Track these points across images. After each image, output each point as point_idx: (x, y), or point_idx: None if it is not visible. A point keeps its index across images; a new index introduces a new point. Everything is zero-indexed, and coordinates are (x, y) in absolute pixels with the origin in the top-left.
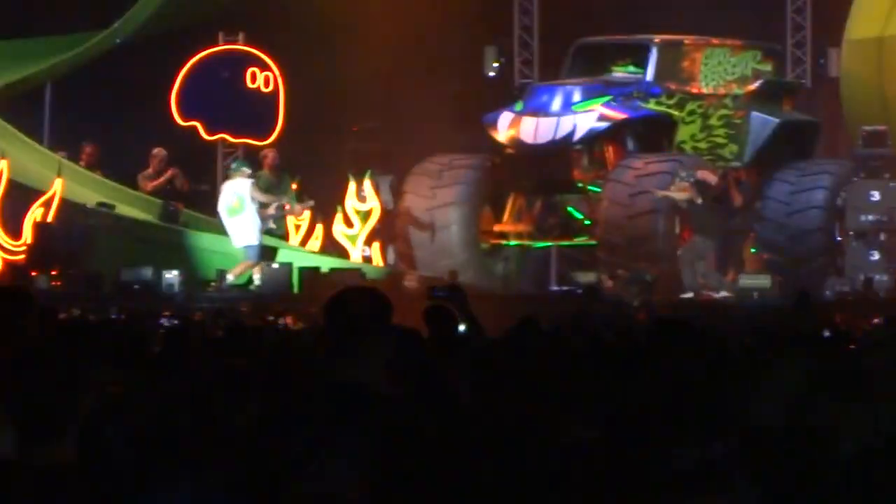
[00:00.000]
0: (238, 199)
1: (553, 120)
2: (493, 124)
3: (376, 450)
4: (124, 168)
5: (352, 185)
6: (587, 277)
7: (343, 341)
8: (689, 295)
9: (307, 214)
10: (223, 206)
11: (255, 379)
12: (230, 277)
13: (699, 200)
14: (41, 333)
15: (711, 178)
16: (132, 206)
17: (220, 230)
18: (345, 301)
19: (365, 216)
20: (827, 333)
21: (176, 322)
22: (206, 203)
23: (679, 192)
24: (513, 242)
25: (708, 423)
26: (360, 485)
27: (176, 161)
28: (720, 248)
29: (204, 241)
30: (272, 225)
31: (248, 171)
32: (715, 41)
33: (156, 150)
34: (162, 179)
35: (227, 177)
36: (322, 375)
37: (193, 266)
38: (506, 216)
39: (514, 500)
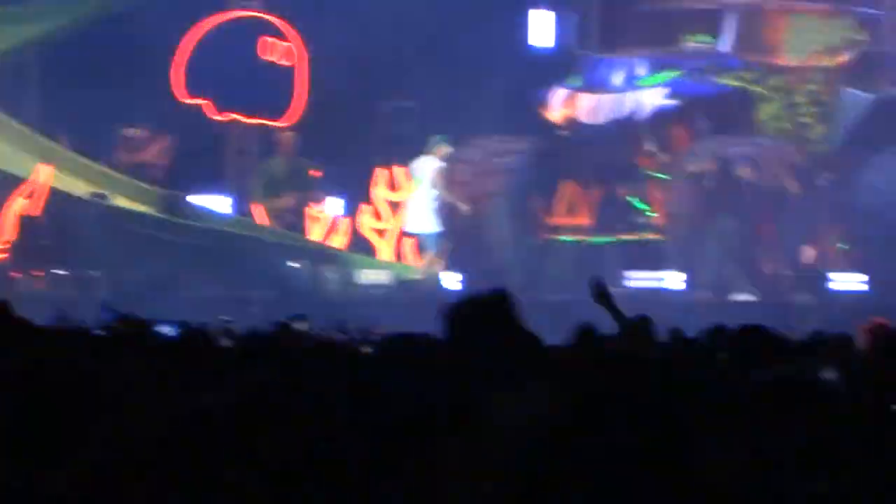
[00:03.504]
0: (416, 180)
1: (615, 97)
2: (545, 102)
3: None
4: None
5: (382, 173)
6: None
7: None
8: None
9: (329, 206)
10: None
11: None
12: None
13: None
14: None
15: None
16: (128, 196)
17: (229, 224)
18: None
19: (397, 208)
20: None
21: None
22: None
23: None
24: (568, 238)
25: None
26: None
27: (183, 144)
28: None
29: (209, 238)
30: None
31: (446, 149)
32: (800, 6)
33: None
34: (151, 149)
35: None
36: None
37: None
38: (559, 208)
39: None
